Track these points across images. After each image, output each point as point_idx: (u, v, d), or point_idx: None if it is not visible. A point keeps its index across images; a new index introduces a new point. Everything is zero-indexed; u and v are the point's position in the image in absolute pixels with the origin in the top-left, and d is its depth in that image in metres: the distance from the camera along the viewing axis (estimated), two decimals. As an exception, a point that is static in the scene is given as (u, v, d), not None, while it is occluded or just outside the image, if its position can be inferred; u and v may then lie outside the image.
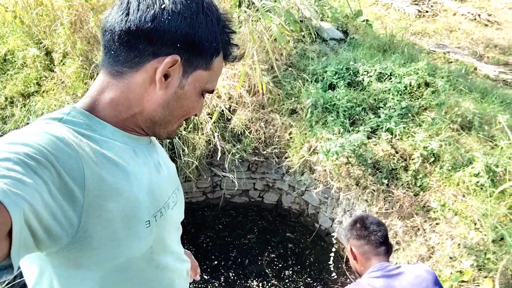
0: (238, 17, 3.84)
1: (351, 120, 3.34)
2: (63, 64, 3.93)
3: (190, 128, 3.52)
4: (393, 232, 2.70)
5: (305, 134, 3.38)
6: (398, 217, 2.68)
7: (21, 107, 3.73)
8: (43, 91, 3.83)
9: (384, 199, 2.78)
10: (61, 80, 3.87)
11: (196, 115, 0.89)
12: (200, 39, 0.77)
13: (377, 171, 2.92)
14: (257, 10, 3.65)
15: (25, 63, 3.99)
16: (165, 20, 0.73)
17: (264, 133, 3.53)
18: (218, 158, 3.57)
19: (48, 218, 0.59)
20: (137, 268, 0.80)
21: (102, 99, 0.79)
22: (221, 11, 0.83)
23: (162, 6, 0.74)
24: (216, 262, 3.58)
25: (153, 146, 0.93)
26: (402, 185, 2.80)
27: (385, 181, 2.84)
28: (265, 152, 3.56)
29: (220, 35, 0.80)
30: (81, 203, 0.66)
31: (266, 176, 3.83)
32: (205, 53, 0.79)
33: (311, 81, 3.72)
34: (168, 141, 3.40)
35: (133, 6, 0.75)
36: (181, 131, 3.46)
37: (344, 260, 3.35)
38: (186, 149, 3.48)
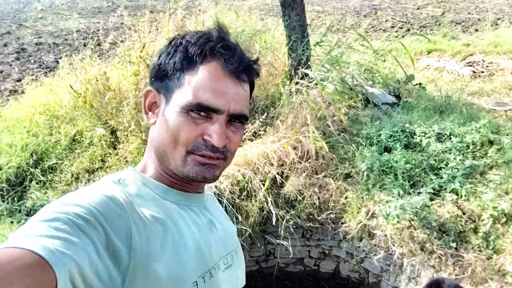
0: (290, 90, 3.98)
1: (411, 182, 3.17)
2: (127, 141, 4.21)
3: (244, 195, 3.52)
4: (469, 304, 2.39)
5: (362, 197, 3.24)
6: (470, 283, 2.38)
7: (85, 182, 3.98)
8: (107, 167, 4.09)
9: (454, 264, 2.51)
10: (123, 156, 4.13)
11: (207, 140, 0.77)
12: (163, 65, 0.81)
13: (444, 234, 2.68)
14: (311, 80, 3.77)
15: (92, 142, 4.33)
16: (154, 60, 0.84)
17: (319, 198, 3.44)
18: (272, 224, 3.50)
19: (93, 277, 0.59)
20: None
21: (150, 154, 0.86)
22: (205, 30, 0.82)
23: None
24: None
25: (208, 205, 0.93)
26: (472, 248, 2.53)
27: (453, 245, 2.58)
28: (320, 218, 3.44)
29: (194, 49, 0.77)
30: (127, 264, 0.66)
31: (321, 243, 3.65)
32: (172, 74, 0.79)
33: (365, 145, 3.65)
34: (223, 208, 3.41)
35: None
36: (234, 199, 3.47)
37: None
38: (239, 216, 3.45)
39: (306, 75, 3.94)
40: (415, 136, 3.59)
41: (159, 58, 0.82)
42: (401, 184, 3.12)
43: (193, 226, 0.81)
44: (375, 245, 3.04)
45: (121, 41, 5.15)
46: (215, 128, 0.76)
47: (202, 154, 0.77)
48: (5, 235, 3.35)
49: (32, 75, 7.13)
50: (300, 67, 4.05)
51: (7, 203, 3.86)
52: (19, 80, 6.99)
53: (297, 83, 3.96)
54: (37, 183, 4.00)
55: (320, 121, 3.88)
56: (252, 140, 3.85)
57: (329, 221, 3.40)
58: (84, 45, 8.69)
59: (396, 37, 6.40)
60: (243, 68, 0.79)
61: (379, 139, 3.66)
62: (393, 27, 8.42)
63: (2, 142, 4.10)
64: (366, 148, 3.60)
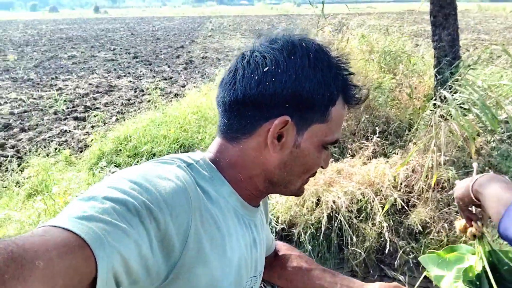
0: (432, 112, 3.69)
1: None
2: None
3: (362, 217, 3.38)
4: None
5: (500, 244, 2.80)
6: None
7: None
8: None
9: None
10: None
11: (322, 167, 0.84)
12: (309, 94, 0.73)
13: None
14: (452, 104, 3.46)
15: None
16: (269, 83, 0.72)
17: (447, 236, 3.09)
18: (390, 255, 3.26)
19: (140, 271, 0.57)
20: None
21: (222, 158, 0.80)
22: (332, 54, 0.78)
23: (265, 69, 0.73)
24: None
25: (257, 220, 0.90)
26: None
27: None
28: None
29: (333, 82, 0.76)
30: (176, 260, 0.64)
31: (446, 289, 3.24)
32: (317, 106, 0.75)
33: (514, 186, 3.15)
34: (337, 225, 3.33)
35: (239, 75, 0.75)
36: (352, 219, 3.35)
37: None
38: (354, 238, 3.32)
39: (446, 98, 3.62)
40: None
41: (299, 83, 0.73)
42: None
43: (242, 240, 0.79)
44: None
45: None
46: (328, 155, 0.83)
47: (313, 175, 0.85)
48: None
49: (194, 83, 8.16)
50: (443, 90, 3.74)
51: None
52: (183, 86, 8.07)
53: (438, 106, 3.66)
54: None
55: (460, 151, 3.50)
56: (376, 157, 3.68)
57: (456, 262, 3.02)
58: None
59: None
60: None
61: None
62: None
63: (159, 133, 4.77)
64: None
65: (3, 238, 0.47)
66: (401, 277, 3.26)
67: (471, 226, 1.07)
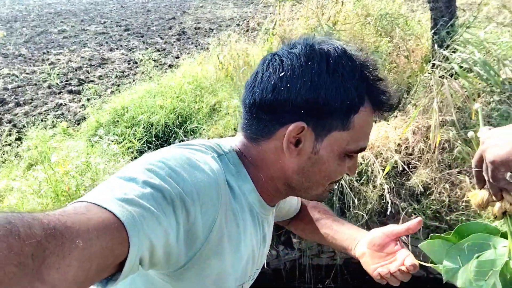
0: (429, 73, 3.66)
1: None
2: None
3: (364, 180, 3.40)
4: None
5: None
6: None
7: (218, 147, 4.34)
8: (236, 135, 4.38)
9: None
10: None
11: (348, 174, 0.83)
12: (325, 101, 0.71)
13: None
14: (450, 63, 3.42)
15: (228, 112, 4.68)
16: (284, 88, 0.71)
17: (449, 196, 3.12)
18: (393, 217, 3.30)
19: (162, 257, 0.60)
20: None
21: (245, 154, 0.81)
22: (359, 58, 0.74)
23: (281, 75, 0.72)
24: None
25: (270, 218, 0.92)
26: None
27: None
28: (448, 218, 3.11)
29: (356, 88, 0.72)
30: (196, 251, 0.67)
31: (447, 248, 3.29)
32: (336, 113, 0.72)
33: (515, 145, 3.15)
34: (339, 190, 3.35)
35: (258, 78, 0.76)
36: (353, 182, 3.37)
37: None
38: (356, 201, 3.35)
39: (446, 58, 3.57)
40: None
41: (314, 90, 0.71)
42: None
43: (254, 238, 0.82)
44: None
45: (258, 24, 5.39)
46: (354, 163, 0.82)
47: (337, 181, 0.84)
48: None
49: (188, 54, 8.01)
50: (442, 50, 3.69)
51: (154, 155, 4.44)
52: (177, 57, 7.92)
53: (437, 66, 3.62)
54: (179, 142, 4.50)
55: (462, 111, 3.50)
56: (375, 122, 3.67)
57: (459, 223, 3.05)
58: (236, 28, 9.42)
59: None
60: None
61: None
62: None
63: (155, 104, 4.71)
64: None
65: (43, 211, 0.48)
66: (403, 237, 3.30)
67: (501, 199, 0.78)
